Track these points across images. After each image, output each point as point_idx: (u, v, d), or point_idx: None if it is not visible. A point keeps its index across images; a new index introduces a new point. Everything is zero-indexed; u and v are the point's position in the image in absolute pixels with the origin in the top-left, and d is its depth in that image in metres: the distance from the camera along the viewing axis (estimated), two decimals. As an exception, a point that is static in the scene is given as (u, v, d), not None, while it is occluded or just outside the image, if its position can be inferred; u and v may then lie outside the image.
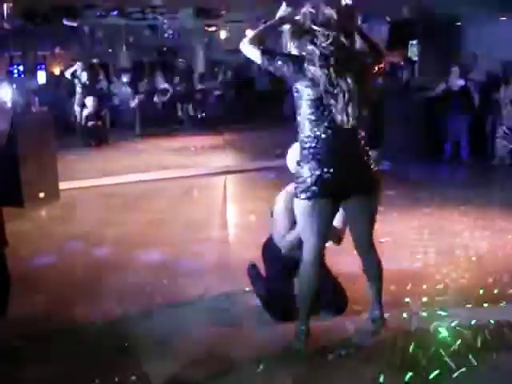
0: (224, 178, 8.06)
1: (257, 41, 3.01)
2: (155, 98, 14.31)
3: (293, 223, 3.38)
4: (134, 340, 3.33)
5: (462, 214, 5.87)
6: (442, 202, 6.36)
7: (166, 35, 12.23)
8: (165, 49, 18.62)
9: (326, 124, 2.91)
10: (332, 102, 2.88)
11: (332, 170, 2.92)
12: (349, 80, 2.88)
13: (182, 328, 3.48)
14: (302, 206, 3.02)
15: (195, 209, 6.39)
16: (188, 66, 18.89)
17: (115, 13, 10.97)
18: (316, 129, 2.93)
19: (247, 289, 3.94)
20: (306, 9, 2.94)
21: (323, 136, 2.93)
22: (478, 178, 7.92)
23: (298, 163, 3.07)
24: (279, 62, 2.94)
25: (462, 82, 8.62)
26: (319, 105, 2.91)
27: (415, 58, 13.51)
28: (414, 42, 15.99)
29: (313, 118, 2.93)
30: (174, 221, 5.87)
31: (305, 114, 2.95)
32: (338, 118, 2.89)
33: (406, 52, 16.37)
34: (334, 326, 3.40)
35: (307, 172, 2.95)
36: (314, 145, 2.94)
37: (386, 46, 17.25)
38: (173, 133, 12.43)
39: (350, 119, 2.89)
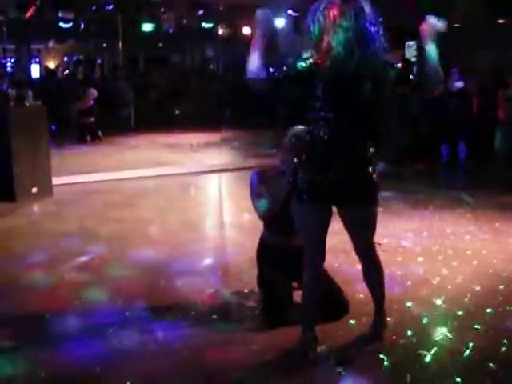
0: (219, 176, 7.98)
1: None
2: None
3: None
4: (128, 340, 3.23)
5: (461, 216, 5.81)
6: (440, 203, 6.30)
7: (162, 30, 12.11)
8: (160, 44, 18.50)
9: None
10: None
11: (325, 176, 2.83)
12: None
13: (177, 330, 3.38)
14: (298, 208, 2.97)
15: (191, 207, 6.29)
16: (184, 62, 18.82)
17: (111, 7, 10.83)
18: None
19: (246, 290, 3.86)
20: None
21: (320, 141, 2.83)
22: (476, 180, 7.86)
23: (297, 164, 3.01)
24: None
25: (460, 84, 8.58)
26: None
27: (413, 59, 13.43)
28: (411, 42, 15.95)
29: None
30: (171, 219, 5.77)
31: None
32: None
33: (403, 53, 16.34)
34: (335, 331, 3.31)
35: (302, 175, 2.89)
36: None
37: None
38: (168, 129, 12.32)
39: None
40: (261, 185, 3.52)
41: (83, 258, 4.62)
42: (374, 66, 2.76)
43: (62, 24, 9.92)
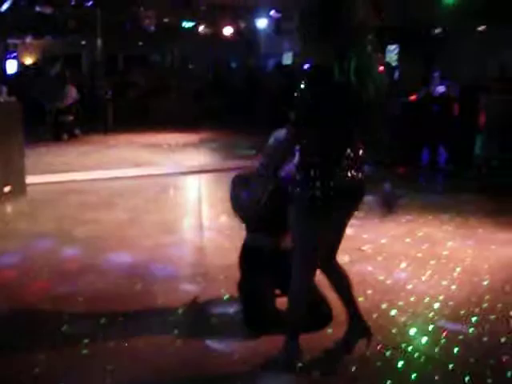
0: (198, 178, 7.84)
1: None
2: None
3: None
4: (105, 350, 3.09)
5: (442, 222, 5.76)
6: (422, 208, 6.26)
7: (143, 28, 11.91)
8: (140, 43, 18.25)
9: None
10: None
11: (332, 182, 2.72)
12: None
13: (157, 339, 3.24)
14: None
15: (170, 209, 6.14)
16: (163, 61, 18.62)
17: (90, 3, 10.60)
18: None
19: (226, 297, 3.74)
20: None
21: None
22: (456, 185, 7.86)
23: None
24: None
25: (442, 88, 8.58)
26: None
27: (394, 63, 13.48)
28: (392, 47, 16.01)
29: None
30: (148, 221, 5.61)
31: None
32: None
33: (384, 57, 16.38)
34: (318, 339, 3.21)
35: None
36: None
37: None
38: (146, 128, 12.14)
39: None
40: (241, 188, 3.40)
41: (58, 260, 4.45)
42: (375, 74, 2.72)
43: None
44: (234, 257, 3.61)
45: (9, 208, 6.12)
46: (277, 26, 12.96)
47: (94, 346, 3.13)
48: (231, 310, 3.58)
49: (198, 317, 3.53)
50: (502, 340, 3.31)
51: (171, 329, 3.36)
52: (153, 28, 11.38)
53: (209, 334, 3.30)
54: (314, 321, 3.28)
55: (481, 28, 12.03)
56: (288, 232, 3.44)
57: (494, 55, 10.51)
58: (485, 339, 3.31)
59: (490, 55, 10.59)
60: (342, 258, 4.58)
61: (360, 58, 2.62)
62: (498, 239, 5.27)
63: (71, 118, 10.96)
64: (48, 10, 9.90)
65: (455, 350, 3.17)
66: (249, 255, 3.49)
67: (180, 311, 3.58)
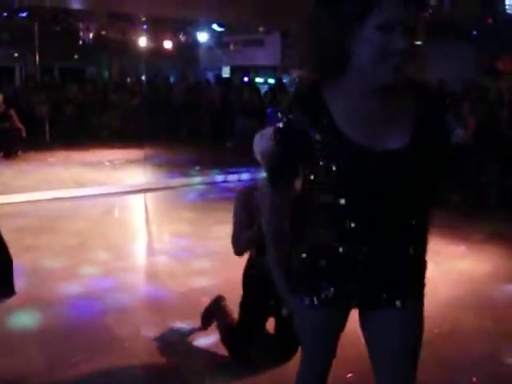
0: (144, 197, 7.57)
1: None
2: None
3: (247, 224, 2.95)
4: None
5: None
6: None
7: (79, 41, 11.50)
8: (76, 56, 17.69)
9: None
10: None
11: None
12: None
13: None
14: None
15: (117, 232, 5.84)
16: (100, 75, 18.15)
17: (24, 14, 10.13)
18: None
19: (187, 327, 3.56)
20: None
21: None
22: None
23: None
24: None
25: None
26: None
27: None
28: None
29: None
30: (96, 246, 5.30)
31: None
32: None
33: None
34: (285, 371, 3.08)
35: None
36: None
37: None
38: (85, 145, 11.69)
39: None
40: (244, 211, 2.96)
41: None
42: None
43: None
44: (188, 283, 3.43)
45: None
46: (219, 39, 12.86)
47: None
48: (200, 342, 3.40)
49: (163, 349, 3.31)
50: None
51: (136, 365, 3.14)
52: (90, 40, 11.00)
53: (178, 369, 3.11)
54: (280, 352, 3.17)
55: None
56: None
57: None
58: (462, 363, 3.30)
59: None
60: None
61: None
62: (450, 253, 5.31)
63: (8, 124, 10.26)
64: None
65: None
66: (256, 281, 3.11)
67: (141, 344, 3.36)
